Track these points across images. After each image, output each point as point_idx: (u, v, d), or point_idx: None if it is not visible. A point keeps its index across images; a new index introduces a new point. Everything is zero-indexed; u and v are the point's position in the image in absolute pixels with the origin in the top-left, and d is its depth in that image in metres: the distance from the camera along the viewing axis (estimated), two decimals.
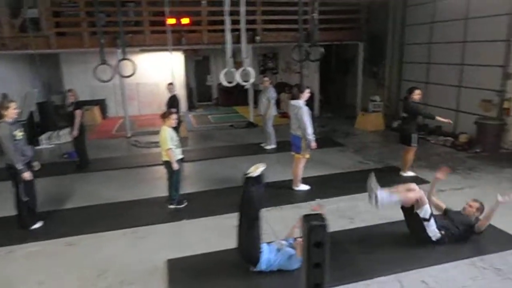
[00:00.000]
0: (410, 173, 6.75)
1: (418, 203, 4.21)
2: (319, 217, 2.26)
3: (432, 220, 4.25)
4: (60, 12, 10.33)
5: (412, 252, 4.24)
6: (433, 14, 9.87)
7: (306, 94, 5.82)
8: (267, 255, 3.84)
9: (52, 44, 9.55)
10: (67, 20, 10.44)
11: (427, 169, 7.13)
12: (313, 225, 2.19)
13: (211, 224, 5.11)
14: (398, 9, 11.06)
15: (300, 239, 3.83)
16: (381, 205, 4.15)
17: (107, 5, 9.95)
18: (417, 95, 6.38)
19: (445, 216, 4.51)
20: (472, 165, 7.28)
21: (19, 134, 4.88)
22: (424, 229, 4.25)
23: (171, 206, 5.66)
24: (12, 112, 4.80)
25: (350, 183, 6.45)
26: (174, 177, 5.60)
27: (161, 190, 6.11)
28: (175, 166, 5.44)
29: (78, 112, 7.38)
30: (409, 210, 4.32)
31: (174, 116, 5.53)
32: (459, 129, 9.13)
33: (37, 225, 5.17)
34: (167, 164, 5.51)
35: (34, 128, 10.20)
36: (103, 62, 6.50)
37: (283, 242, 4.06)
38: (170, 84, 8.35)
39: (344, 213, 5.32)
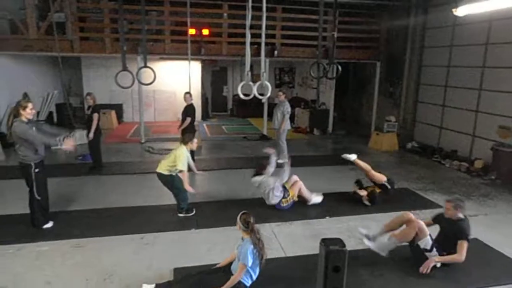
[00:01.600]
0: None
1: (418, 236, 4.21)
2: (338, 241, 2.21)
3: (434, 250, 4.20)
4: (85, 18, 10.62)
5: (421, 276, 4.15)
6: (452, 37, 9.84)
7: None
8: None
9: (75, 48, 9.80)
10: (91, 25, 10.71)
11: (440, 193, 7.03)
12: (332, 250, 2.12)
13: (219, 235, 5.09)
14: (417, 31, 11.05)
15: None
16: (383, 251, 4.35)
17: (130, 13, 10.22)
18: None
19: (439, 225, 4.46)
20: (487, 192, 7.14)
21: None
22: (426, 259, 4.19)
23: (181, 215, 5.67)
24: (28, 113, 4.83)
25: (360, 202, 6.38)
26: (181, 192, 5.63)
27: (171, 197, 6.13)
28: (189, 188, 5.48)
29: (95, 116, 7.51)
30: (410, 242, 4.32)
31: (195, 141, 5.59)
32: (475, 154, 9.00)
33: (48, 224, 5.23)
34: (163, 177, 5.56)
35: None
36: (125, 68, 6.60)
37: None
38: (187, 93, 8.44)
39: (353, 233, 5.25)
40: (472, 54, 9.16)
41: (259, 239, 3.69)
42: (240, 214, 3.76)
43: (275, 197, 5.94)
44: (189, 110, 8.19)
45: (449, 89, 10.05)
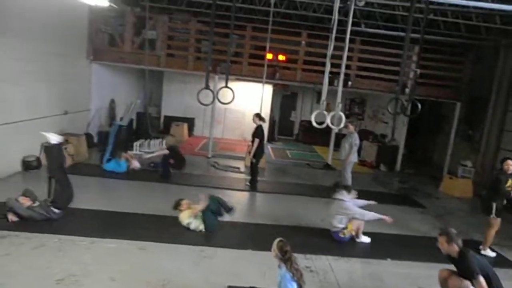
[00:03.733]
0: (489, 252, 6.07)
1: None
2: None
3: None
4: (172, 36, 11.49)
5: None
6: None
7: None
8: None
9: (161, 62, 10.63)
10: (178, 43, 11.53)
11: None
12: None
13: (274, 260, 5.07)
14: (505, 73, 10.34)
15: None
16: None
17: (214, 35, 10.87)
18: (506, 165, 5.87)
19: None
20: None
21: None
22: None
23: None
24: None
25: (428, 249, 5.94)
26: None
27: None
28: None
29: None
30: None
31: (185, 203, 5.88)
32: None
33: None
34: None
35: (131, 134, 11.25)
36: (207, 87, 6.98)
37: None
38: (256, 115, 8.49)
39: (416, 281, 4.93)
40: None
41: (296, 269, 3.57)
42: (276, 241, 3.69)
43: (337, 224, 5.81)
44: (258, 132, 8.35)
45: None
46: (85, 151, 9.29)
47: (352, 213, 5.73)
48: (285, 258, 3.60)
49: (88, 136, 9.99)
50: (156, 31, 10.46)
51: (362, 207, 5.94)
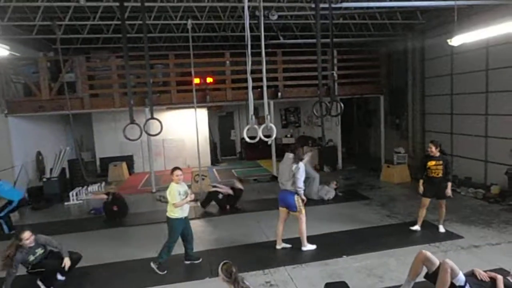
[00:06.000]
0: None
1: (451, 276, 3.99)
2: (342, 285, 2.19)
3: (468, 286, 4.00)
4: (94, 75, 11.08)
5: None
6: (452, 66, 9.99)
7: (306, 158, 5.87)
8: None
9: (86, 104, 10.18)
10: (100, 82, 11.15)
11: (459, 223, 6.84)
12: None
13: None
14: (416, 62, 11.28)
15: None
16: None
17: (137, 67, 10.68)
18: (429, 148, 6.34)
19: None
20: (507, 219, 6.92)
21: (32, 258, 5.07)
22: None
23: (152, 265, 5.41)
24: (26, 243, 5.01)
25: (378, 238, 6.24)
26: (169, 241, 5.52)
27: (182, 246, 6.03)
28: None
29: None
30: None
31: (177, 173, 5.54)
32: (490, 180, 8.83)
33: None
34: (167, 220, 5.53)
35: (65, 184, 10.54)
36: (132, 121, 6.79)
37: None
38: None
39: (372, 271, 5.08)
40: (474, 81, 9.25)
41: None
42: (221, 264, 3.64)
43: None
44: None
45: (455, 117, 10.06)
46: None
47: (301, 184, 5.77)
48: (232, 279, 3.53)
49: None
50: (74, 73, 10.03)
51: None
